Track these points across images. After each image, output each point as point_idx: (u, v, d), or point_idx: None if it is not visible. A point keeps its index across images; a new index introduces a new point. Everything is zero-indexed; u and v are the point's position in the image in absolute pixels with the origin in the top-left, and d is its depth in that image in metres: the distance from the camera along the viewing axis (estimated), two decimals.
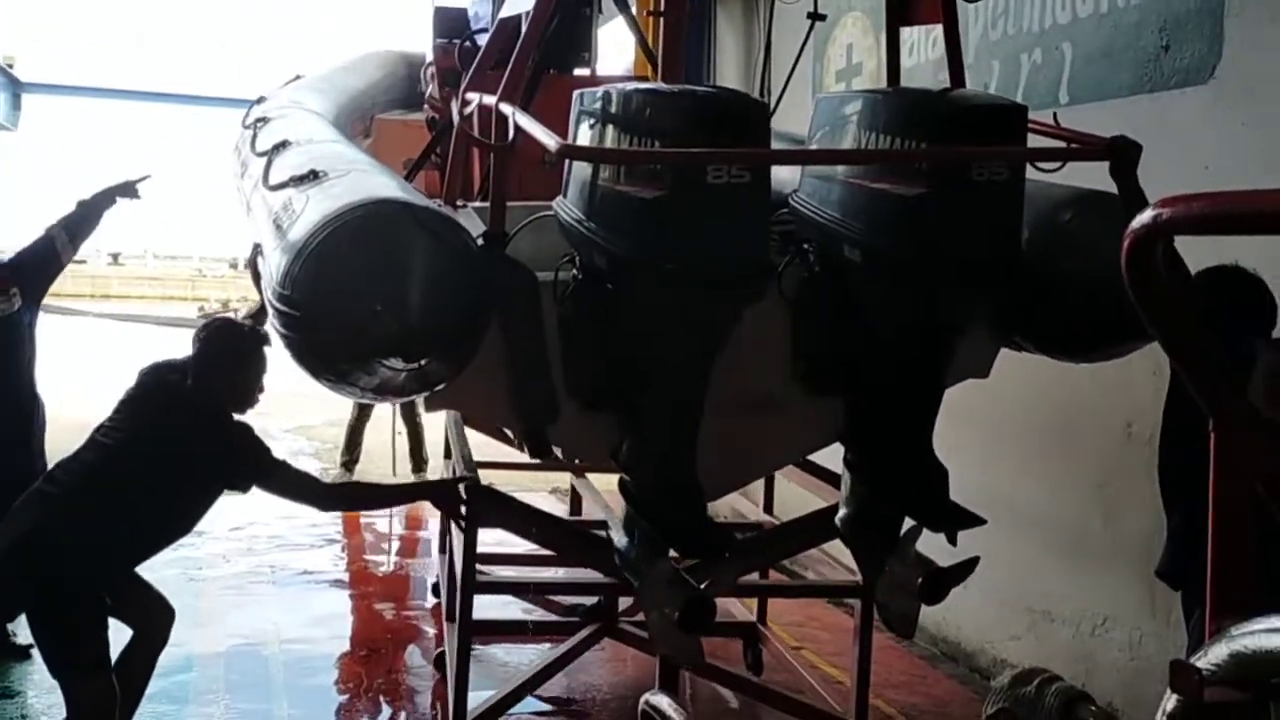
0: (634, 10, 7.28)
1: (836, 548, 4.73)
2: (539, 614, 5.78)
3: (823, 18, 5.39)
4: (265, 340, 3.99)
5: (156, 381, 4.09)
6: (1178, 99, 4.68)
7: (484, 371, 3.15)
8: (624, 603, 5.15)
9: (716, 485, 3.49)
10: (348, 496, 4.87)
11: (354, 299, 2.77)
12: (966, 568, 3.39)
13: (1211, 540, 1.95)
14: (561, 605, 5.68)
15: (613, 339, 3.16)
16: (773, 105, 5.63)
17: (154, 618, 4.15)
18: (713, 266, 2.85)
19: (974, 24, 5.72)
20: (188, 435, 3.94)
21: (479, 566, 5.48)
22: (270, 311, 3.05)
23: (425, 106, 7.81)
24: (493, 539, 4.80)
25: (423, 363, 2.80)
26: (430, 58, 7.61)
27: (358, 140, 6.98)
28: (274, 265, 3.07)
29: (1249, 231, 1.86)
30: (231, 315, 4.42)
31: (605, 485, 5.58)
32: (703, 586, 3.09)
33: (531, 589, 5.60)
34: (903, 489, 3.42)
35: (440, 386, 3.05)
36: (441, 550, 6.62)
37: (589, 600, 5.41)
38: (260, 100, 7.38)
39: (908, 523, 3.44)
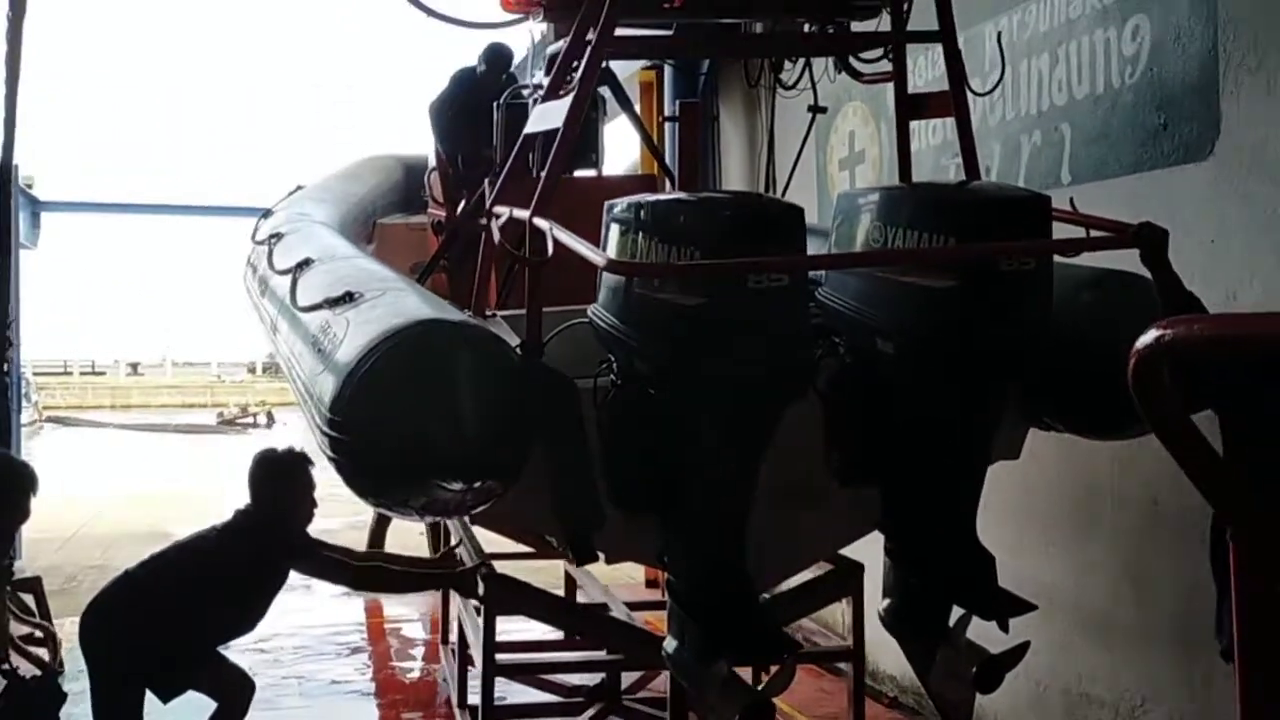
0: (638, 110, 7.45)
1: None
2: (544, 696, 5.73)
3: (824, 110, 5.52)
4: (306, 459, 4.50)
5: (237, 512, 4.72)
6: (1178, 176, 4.74)
7: (529, 482, 3.17)
8: (626, 679, 5.37)
9: (758, 578, 3.49)
10: (374, 579, 5.14)
11: (411, 421, 2.79)
12: (1018, 653, 3.39)
13: (1238, 647, 1.96)
14: (566, 686, 5.71)
15: (656, 443, 3.18)
16: (779, 196, 5.77)
17: (232, 690, 4.69)
18: (756, 370, 2.89)
19: (973, 108, 5.82)
20: (244, 542, 4.56)
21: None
22: (317, 436, 3.07)
23: (428, 211, 7.93)
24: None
25: (481, 483, 2.82)
26: (433, 162, 7.74)
27: (362, 246, 7.09)
28: (319, 390, 3.10)
29: (1252, 354, 1.92)
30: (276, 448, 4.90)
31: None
32: (759, 688, 3.07)
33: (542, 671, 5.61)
34: (950, 577, 3.42)
35: (490, 502, 3.06)
36: (443, 641, 6.65)
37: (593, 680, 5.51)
38: (267, 214, 7.49)
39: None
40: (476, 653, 4.65)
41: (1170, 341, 1.78)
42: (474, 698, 5.55)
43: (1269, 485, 2.03)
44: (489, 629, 4.28)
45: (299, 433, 4.77)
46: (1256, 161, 4.41)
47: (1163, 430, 1.89)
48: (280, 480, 4.62)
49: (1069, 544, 5.39)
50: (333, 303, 3.57)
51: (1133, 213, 4.67)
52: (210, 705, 4.75)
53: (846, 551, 4.29)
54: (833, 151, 7.30)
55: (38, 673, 5.58)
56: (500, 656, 5.38)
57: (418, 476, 2.83)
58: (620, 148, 8.79)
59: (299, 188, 8.49)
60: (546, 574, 6.26)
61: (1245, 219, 4.42)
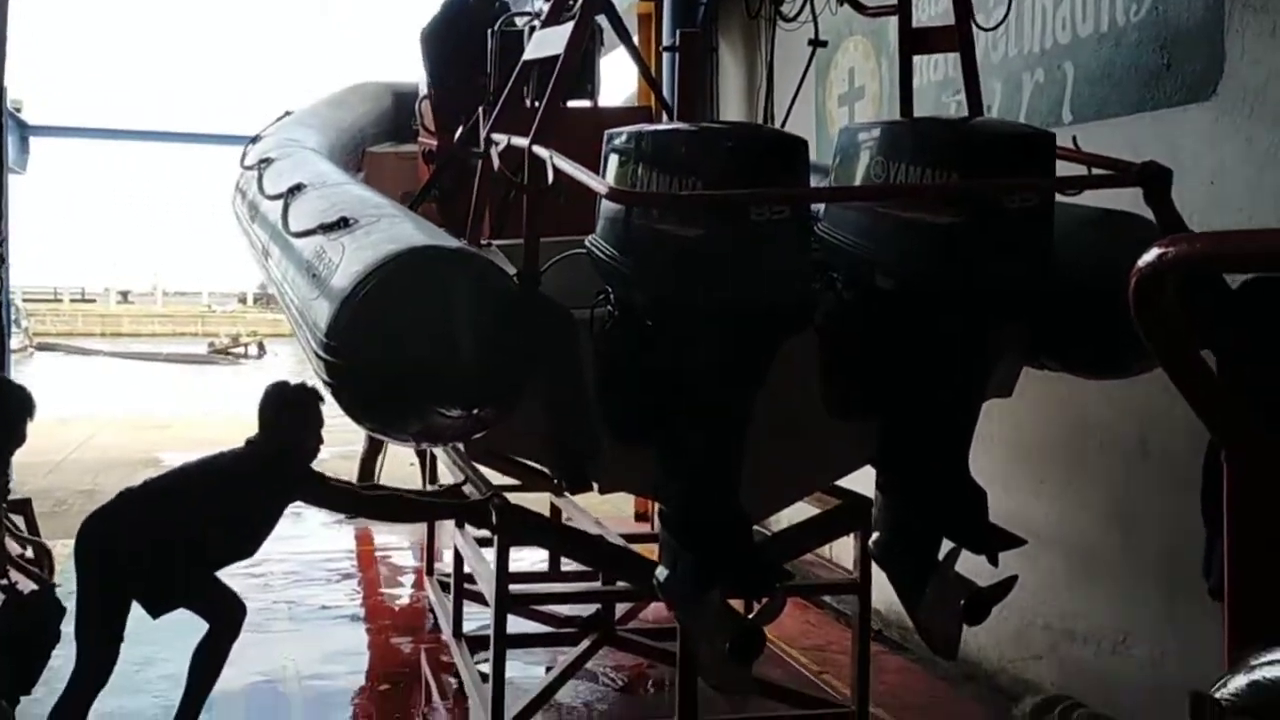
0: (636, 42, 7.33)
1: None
2: (532, 626, 5.83)
3: (824, 44, 5.45)
4: (317, 395, 4.50)
5: (246, 441, 4.78)
6: (1180, 116, 4.72)
7: (525, 411, 3.17)
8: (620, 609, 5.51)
9: (751, 509, 3.52)
10: (383, 507, 5.18)
11: (408, 348, 2.78)
12: (1006, 586, 3.43)
13: (1228, 571, 1.98)
14: (557, 617, 5.82)
15: (653, 374, 3.18)
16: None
17: (226, 612, 4.74)
18: (756, 303, 2.88)
19: (975, 45, 5.77)
20: (251, 471, 4.64)
21: (468, 587, 5.60)
22: (313, 361, 3.06)
23: (418, 140, 7.85)
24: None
25: (477, 410, 2.82)
26: (424, 90, 7.65)
27: (351, 174, 7.03)
28: (314, 315, 3.08)
29: (1252, 269, 1.92)
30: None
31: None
32: (751, 616, 3.11)
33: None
34: (941, 511, 3.45)
35: (486, 430, 3.07)
36: (428, 573, 6.74)
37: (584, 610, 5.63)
38: (256, 139, 7.42)
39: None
40: (486, 585, 4.68)
41: (1173, 258, 1.79)
42: (467, 626, 5.66)
43: (1264, 406, 2.05)
44: (502, 560, 4.30)
45: (290, 363, 4.78)
46: (1259, 103, 4.39)
47: (1161, 349, 1.90)
48: (290, 413, 4.67)
49: (1058, 482, 5.43)
50: (327, 228, 3.54)
51: (1133, 153, 4.63)
52: (189, 627, 4.79)
53: (857, 487, 4.31)
54: (832, 87, 7.23)
55: (35, 588, 5.61)
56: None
57: (414, 402, 2.83)
58: (616, 81, 8.68)
59: (287, 113, 8.40)
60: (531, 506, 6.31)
61: (1246, 160, 4.41)
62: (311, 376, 3.59)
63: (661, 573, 3.36)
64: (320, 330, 2.99)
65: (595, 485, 3.52)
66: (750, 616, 3.13)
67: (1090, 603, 5.22)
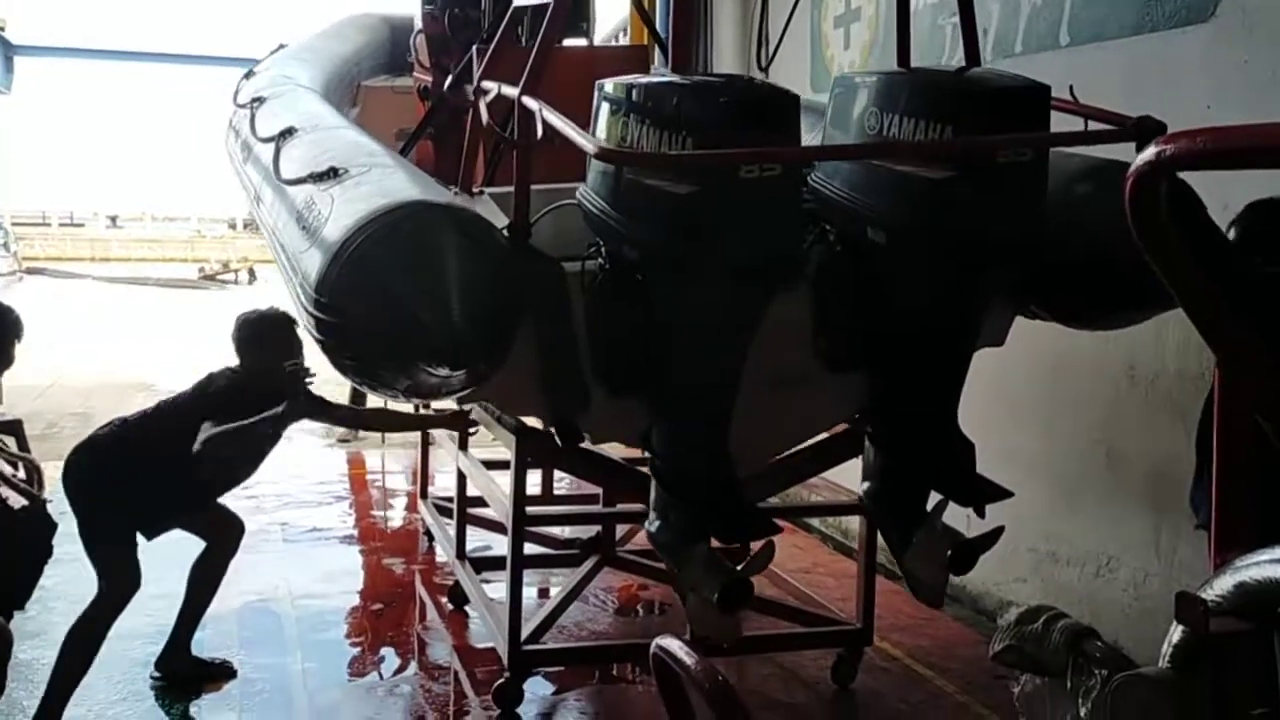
0: None
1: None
2: (532, 548, 5.89)
3: None
4: (289, 322, 4.39)
5: (228, 369, 4.72)
6: (1178, 38, 4.64)
7: (515, 364, 3.17)
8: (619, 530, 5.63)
9: (742, 461, 3.55)
10: (384, 419, 5.48)
11: (398, 306, 2.77)
12: (992, 537, 3.47)
13: (1216, 476, 2.00)
14: (557, 539, 5.93)
15: (644, 328, 3.18)
16: (770, 54, 5.60)
17: (223, 530, 4.78)
18: (746, 259, 2.88)
19: None
20: (242, 398, 4.50)
21: (470, 511, 5.66)
22: (304, 316, 3.04)
23: (414, 75, 7.73)
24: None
25: (470, 367, 2.83)
26: (419, 24, 7.51)
27: (346, 109, 6.93)
28: (305, 269, 3.06)
29: (1252, 166, 1.89)
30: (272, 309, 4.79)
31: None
32: (739, 568, 3.15)
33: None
34: (929, 464, 3.47)
35: (476, 385, 3.07)
36: (423, 496, 6.80)
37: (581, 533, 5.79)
38: (250, 74, 7.29)
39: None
40: (498, 507, 4.71)
41: (1171, 156, 1.75)
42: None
43: (1254, 312, 2.06)
44: (519, 482, 4.30)
45: (281, 290, 4.73)
46: (1258, 24, 4.32)
47: (1157, 253, 1.88)
48: (267, 341, 4.54)
49: (1046, 408, 5.47)
50: (317, 178, 3.50)
51: (1130, 77, 4.57)
52: (185, 549, 4.81)
53: None
54: (828, 8, 7.09)
55: (26, 503, 5.59)
56: (484, 511, 5.53)
57: (404, 360, 2.83)
58: (606, 11, 8.49)
59: (282, 46, 8.26)
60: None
61: (1243, 83, 4.35)
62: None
63: (652, 523, 3.40)
64: (310, 284, 2.97)
65: (586, 436, 3.53)
66: (739, 567, 3.17)
67: (1076, 526, 5.29)
